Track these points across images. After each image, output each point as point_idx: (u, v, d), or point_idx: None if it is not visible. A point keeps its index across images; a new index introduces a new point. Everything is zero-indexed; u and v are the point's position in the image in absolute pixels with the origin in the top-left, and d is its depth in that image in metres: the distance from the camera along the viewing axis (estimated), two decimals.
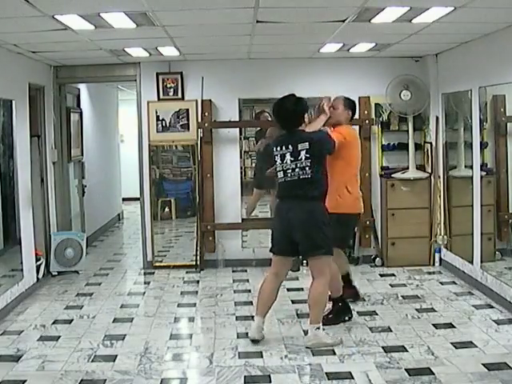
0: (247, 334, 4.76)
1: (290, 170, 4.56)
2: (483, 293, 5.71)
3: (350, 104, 5.24)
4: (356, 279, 6.48)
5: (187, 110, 7.05)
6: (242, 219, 7.20)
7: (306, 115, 4.65)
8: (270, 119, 7.37)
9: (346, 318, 5.08)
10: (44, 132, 6.82)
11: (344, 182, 5.02)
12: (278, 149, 4.62)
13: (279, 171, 4.63)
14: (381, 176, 7.09)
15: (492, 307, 5.36)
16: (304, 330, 4.86)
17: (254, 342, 4.61)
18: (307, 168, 4.50)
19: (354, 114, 5.33)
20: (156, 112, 7.07)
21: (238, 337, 4.80)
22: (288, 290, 6.05)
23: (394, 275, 6.64)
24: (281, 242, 4.66)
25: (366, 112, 6.96)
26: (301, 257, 5.16)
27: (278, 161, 4.62)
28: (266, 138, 7.27)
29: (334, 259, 4.78)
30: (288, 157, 4.55)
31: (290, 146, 4.55)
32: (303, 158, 4.51)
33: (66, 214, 7.48)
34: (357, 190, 5.19)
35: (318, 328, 4.54)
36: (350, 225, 5.32)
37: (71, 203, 7.67)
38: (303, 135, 4.58)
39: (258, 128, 8.29)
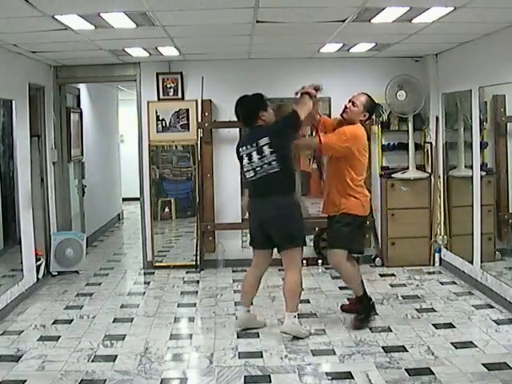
0: (247, 334, 4.78)
1: (259, 168, 4.63)
2: (483, 293, 5.71)
3: (370, 107, 5.05)
4: None
5: (187, 109, 7.06)
6: (242, 219, 7.19)
7: (264, 111, 4.69)
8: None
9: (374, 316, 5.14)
10: (44, 132, 6.82)
11: (342, 183, 4.93)
12: (244, 148, 4.71)
13: (248, 171, 4.70)
14: (381, 176, 7.09)
15: (492, 307, 5.36)
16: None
17: (243, 330, 4.87)
18: (274, 162, 4.57)
19: (370, 116, 5.20)
20: (156, 112, 7.08)
21: (237, 337, 4.80)
22: None
23: (394, 275, 6.64)
24: (257, 237, 4.84)
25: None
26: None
27: (246, 160, 4.69)
28: None
29: (347, 260, 4.97)
30: (255, 155, 4.63)
31: (254, 144, 4.64)
32: (267, 153, 4.58)
33: (66, 213, 7.48)
34: (360, 192, 4.97)
35: (295, 316, 4.71)
36: (355, 226, 5.03)
37: (71, 203, 7.67)
38: (262, 130, 4.65)
39: None
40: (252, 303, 5.08)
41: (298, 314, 5.11)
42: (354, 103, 4.98)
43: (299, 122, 4.64)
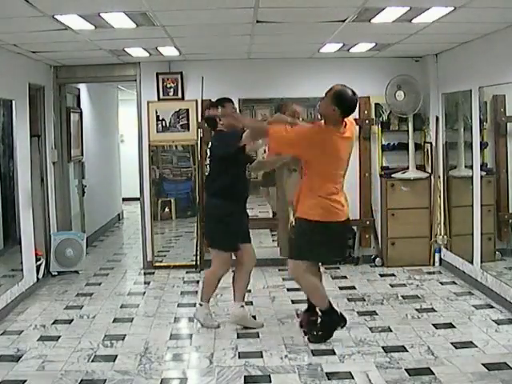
0: (247, 334, 4.78)
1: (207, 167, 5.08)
2: (483, 293, 5.71)
3: (337, 99, 4.36)
4: (356, 279, 6.52)
5: (187, 110, 7.06)
6: None
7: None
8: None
9: (340, 328, 4.74)
10: (44, 132, 6.82)
11: (308, 185, 4.55)
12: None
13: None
14: (381, 176, 7.09)
15: (492, 307, 5.36)
16: (304, 330, 4.89)
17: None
18: (208, 166, 5.01)
19: (343, 112, 4.42)
20: (156, 112, 7.08)
21: (238, 337, 4.80)
22: (288, 289, 6.07)
23: (394, 275, 6.64)
24: None
25: (366, 112, 6.98)
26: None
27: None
28: None
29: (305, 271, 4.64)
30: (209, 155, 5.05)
31: (209, 146, 5.06)
32: (208, 156, 5.02)
33: (66, 214, 7.48)
34: (325, 198, 4.49)
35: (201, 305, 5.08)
36: (307, 233, 4.59)
37: (71, 203, 7.67)
38: (214, 137, 5.09)
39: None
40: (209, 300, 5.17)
41: (299, 314, 5.13)
42: (325, 95, 4.49)
43: (242, 144, 4.71)
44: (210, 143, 5.05)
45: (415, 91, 6.74)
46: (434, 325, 4.96)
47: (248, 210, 5.13)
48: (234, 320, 5.02)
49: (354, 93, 4.48)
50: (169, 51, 6.24)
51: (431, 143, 6.91)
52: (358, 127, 6.99)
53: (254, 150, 5.57)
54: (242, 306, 5.02)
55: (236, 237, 4.96)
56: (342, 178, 4.63)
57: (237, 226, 4.93)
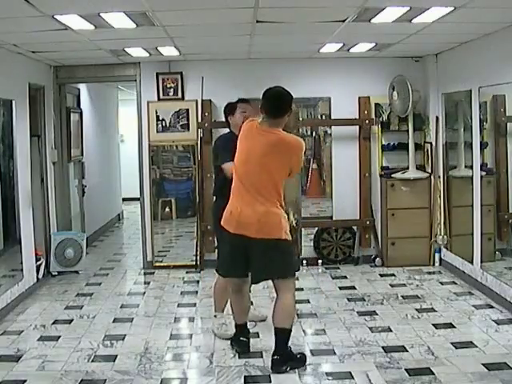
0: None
1: None
2: (483, 293, 5.71)
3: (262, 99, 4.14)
4: (356, 279, 6.52)
5: (187, 110, 7.05)
6: None
7: (231, 115, 4.95)
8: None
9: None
10: (44, 132, 6.82)
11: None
12: None
13: None
14: (381, 176, 7.09)
15: (492, 307, 5.36)
16: (303, 330, 4.89)
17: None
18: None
19: (265, 108, 4.06)
20: (156, 112, 7.07)
21: None
22: None
23: (394, 275, 6.64)
24: None
25: (365, 112, 6.97)
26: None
27: None
28: None
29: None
30: None
31: None
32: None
33: (66, 214, 7.48)
34: (232, 201, 4.12)
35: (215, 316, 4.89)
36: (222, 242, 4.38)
37: (71, 203, 7.67)
38: (222, 136, 5.07)
39: None
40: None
41: (299, 314, 5.13)
42: None
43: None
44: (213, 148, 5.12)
45: (407, 92, 6.69)
46: (434, 325, 4.96)
47: None
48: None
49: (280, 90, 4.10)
50: (169, 51, 6.24)
51: (431, 143, 6.90)
52: (358, 127, 7.02)
53: None
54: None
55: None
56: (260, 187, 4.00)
57: None
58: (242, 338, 4.47)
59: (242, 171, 4.08)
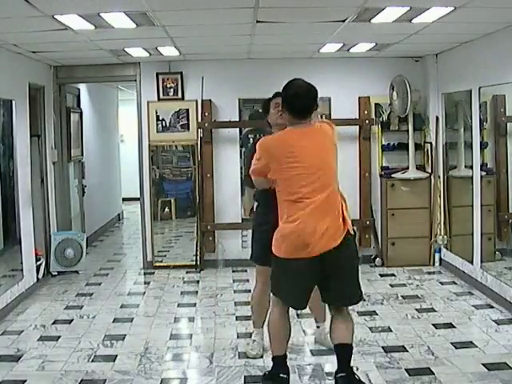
0: (247, 334, 4.75)
1: None
2: (483, 293, 5.71)
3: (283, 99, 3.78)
4: None
5: (187, 110, 7.06)
6: (242, 219, 7.19)
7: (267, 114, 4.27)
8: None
9: None
10: (44, 132, 6.82)
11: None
12: None
13: None
14: (381, 176, 7.09)
15: (492, 307, 5.36)
16: (303, 330, 4.89)
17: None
18: None
19: (289, 108, 3.68)
20: (156, 112, 7.08)
21: (238, 337, 4.79)
22: None
23: (394, 275, 6.64)
24: None
25: (365, 112, 6.98)
26: None
27: None
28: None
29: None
30: None
31: None
32: None
33: (66, 214, 7.48)
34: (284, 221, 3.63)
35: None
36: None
37: (71, 203, 7.67)
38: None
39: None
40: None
41: (299, 314, 5.13)
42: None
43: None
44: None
45: (406, 92, 6.69)
46: (433, 325, 4.96)
47: None
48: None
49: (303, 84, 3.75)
50: (169, 51, 6.24)
51: (431, 143, 6.91)
52: (358, 127, 7.02)
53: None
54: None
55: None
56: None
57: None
58: (281, 375, 3.73)
59: (306, 191, 3.52)
